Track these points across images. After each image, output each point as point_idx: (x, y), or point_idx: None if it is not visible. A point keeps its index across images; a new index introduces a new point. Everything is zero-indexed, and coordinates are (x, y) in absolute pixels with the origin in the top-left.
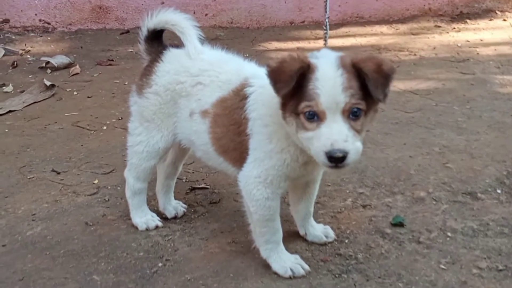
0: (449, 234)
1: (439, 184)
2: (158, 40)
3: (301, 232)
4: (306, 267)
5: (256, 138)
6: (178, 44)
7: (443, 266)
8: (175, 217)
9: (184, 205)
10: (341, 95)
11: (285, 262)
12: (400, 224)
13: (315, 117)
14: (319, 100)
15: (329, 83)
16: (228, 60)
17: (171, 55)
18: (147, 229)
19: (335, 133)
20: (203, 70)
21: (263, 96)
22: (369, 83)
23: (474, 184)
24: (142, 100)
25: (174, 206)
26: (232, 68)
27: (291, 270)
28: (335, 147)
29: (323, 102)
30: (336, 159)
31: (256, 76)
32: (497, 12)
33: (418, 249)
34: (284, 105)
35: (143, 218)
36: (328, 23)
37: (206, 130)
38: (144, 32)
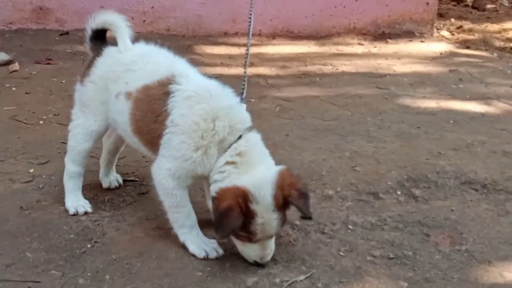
0: (350, 227)
1: (346, 185)
2: (102, 39)
3: None
4: (220, 251)
5: (173, 137)
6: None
7: (342, 253)
8: (108, 188)
9: (120, 181)
10: (273, 230)
11: (200, 244)
12: (309, 217)
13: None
14: (257, 236)
15: (266, 227)
16: (158, 54)
17: (108, 51)
18: (76, 214)
19: (264, 251)
20: (133, 61)
21: (186, 101)
22: (300, 210)
23: (378, 185)
24: (82, 88)
25: (110, 179)
26: (161, 60)
27: (205, 251)
28: (263, 260)
29: (260, 237)
30: (261, 264)
31: (185, 76)
32: (416, 33)
33: (322, 239)
34: None
35: (75, 203)
36: (250, 49)
37: (127, 111)
38: (89, 33)
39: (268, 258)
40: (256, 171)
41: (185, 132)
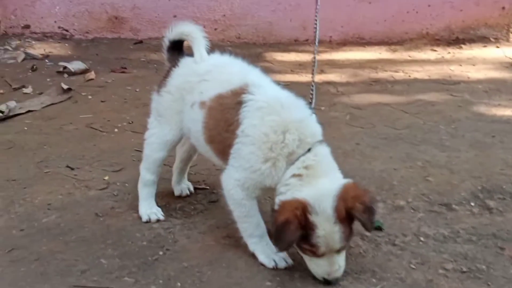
0: (422, 238)
1: (418, 195)
2: (179, 50)
3: None
4: (290, 261)
5: (243, 147)
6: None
7: (413, 266)
8: (180, 196)
9: (191, 189)
10: (337, 243)
11: (270, 254)
12: (379, 228)
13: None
14: (320, 249)
15: (329, 239)
16: (232, 63)
17: (184, 61)
18: (148, 221)
19: (332, 267)
20: (208, 71)
21: (258, 112)
22: (363, 224)
23: (450, 196)
24: (159, 98)
25: (181, 187)
26: (235, 70)
27: (275, 261)
28: (331, 277)
29: (323, 250)
30: (330, 282)
31: (257, 86)
32: (491, 39)
33: (393, 250)
34: None
35: (148, 210)
36: (316, 60)
37: (201, 120)
38: (166, 43)
39: (337, 274)
40: (319, 183)
41: (254, 143)
